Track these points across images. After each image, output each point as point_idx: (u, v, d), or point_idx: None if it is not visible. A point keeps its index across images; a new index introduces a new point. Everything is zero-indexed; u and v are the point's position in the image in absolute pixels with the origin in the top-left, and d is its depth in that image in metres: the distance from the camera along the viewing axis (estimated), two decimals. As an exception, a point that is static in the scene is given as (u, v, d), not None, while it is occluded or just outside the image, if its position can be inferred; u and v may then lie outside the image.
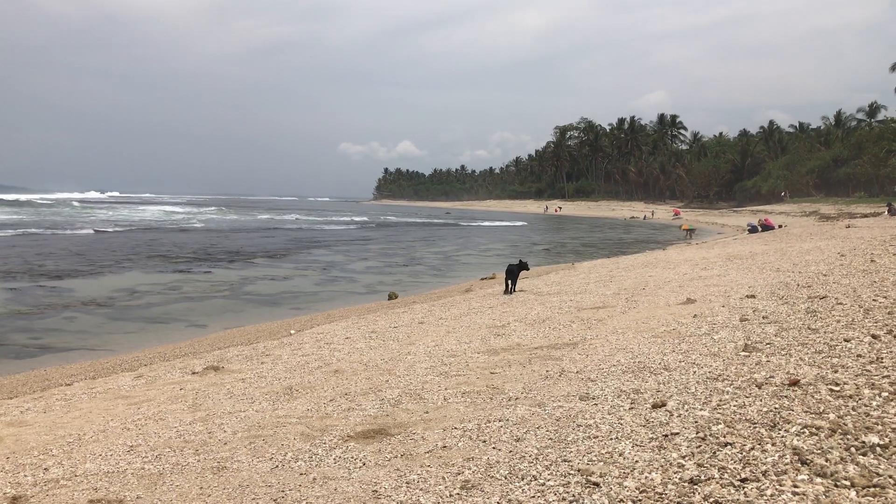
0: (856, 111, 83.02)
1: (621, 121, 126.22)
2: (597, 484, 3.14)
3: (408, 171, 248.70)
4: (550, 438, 3.88)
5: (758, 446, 3.27)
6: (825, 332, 5.47)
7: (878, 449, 3.07)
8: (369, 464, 3.95)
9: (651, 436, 3.65)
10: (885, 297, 6.68)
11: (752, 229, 29.86)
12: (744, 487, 2.89)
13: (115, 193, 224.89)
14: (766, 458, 3.12)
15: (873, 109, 79.38)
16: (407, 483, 3.56)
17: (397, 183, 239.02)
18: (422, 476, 3.62)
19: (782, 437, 3.34)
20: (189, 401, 6.01)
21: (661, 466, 3.22)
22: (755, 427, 3.52)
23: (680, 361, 5.23)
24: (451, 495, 3.31)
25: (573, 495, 3.08)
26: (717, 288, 9.32)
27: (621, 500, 2.95)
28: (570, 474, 3.31)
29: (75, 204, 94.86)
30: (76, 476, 4.22)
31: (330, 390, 5.89)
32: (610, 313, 8.46)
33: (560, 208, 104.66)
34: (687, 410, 3.96)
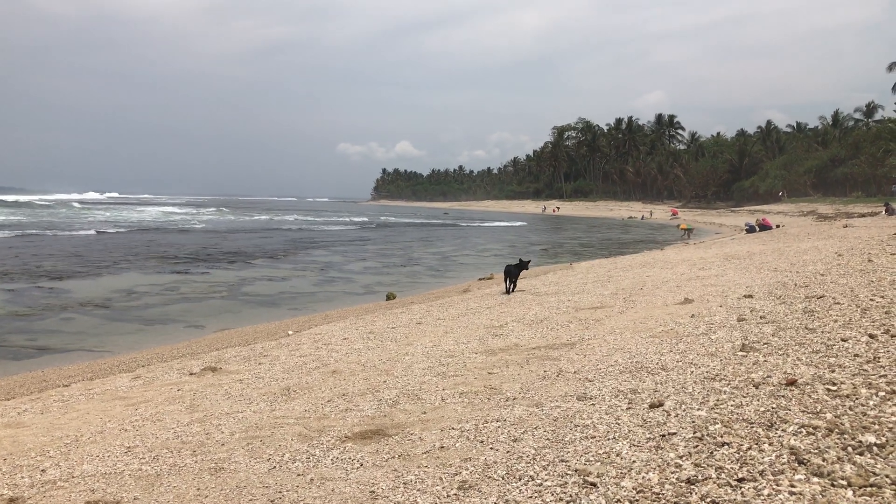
0: (853, 111, 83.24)
1: (619, 121, 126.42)
2: (594, 484, 3.14)
3: (406, 171, 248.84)
4: (548, 439, 3.88)
5: (755, 446, 3.27)
6: (822, 332, 5.47)
7: (874, 448, 3.08)
8: (367, 464, 3.95)
9: (648, 436, 3.65)
10: (882, 297, 6.69)
11: (750, 229, 29.87)
12: (741, 487, 2.89)
13: (114, 194, 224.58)
14: (763, 458, 3.13)
15: (871, 109, 79.53)
16: (404, 484, 3.56)
17: (395, 183, 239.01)
18: (419, 476, 3.62)
19: (779, 436, 3.35)
20: (187, 402, 6.01)
21: (659, 466, 3.22)
22: (752, 427, 3.53)
23: (677, 361, 5.23)
24: (448, 496, 3.31)
25: (570, 495, 3.08)
26: (714, 288, 9.33)
27: (618, 500, 2.95)
28: (567, 474, 3.31)
29: (75, 205, 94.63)
30: (73, 477, 4.21)
31: (327, 391, 5.88)
32: (608, 313, 8.47)
33: (558, 208, 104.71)
34: (684, 410, 3.97)
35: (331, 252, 30.09)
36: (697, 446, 3.38)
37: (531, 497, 3.14)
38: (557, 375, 5.43)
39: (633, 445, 3.55)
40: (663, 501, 2.88)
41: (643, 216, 75.16)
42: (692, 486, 2.96)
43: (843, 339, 5.10)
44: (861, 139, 67.81)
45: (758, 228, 29.40)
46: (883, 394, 3.73)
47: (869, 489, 2.74)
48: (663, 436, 3.60)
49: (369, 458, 4.04)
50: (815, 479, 2.87)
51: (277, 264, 24.29)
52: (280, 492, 3.66)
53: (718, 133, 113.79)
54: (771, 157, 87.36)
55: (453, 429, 4.36)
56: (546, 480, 3.29)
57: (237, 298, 16.24)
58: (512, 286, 12.33)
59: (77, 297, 15.55)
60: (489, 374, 5.85)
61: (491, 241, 39.90)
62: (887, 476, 2.81)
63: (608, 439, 3.70)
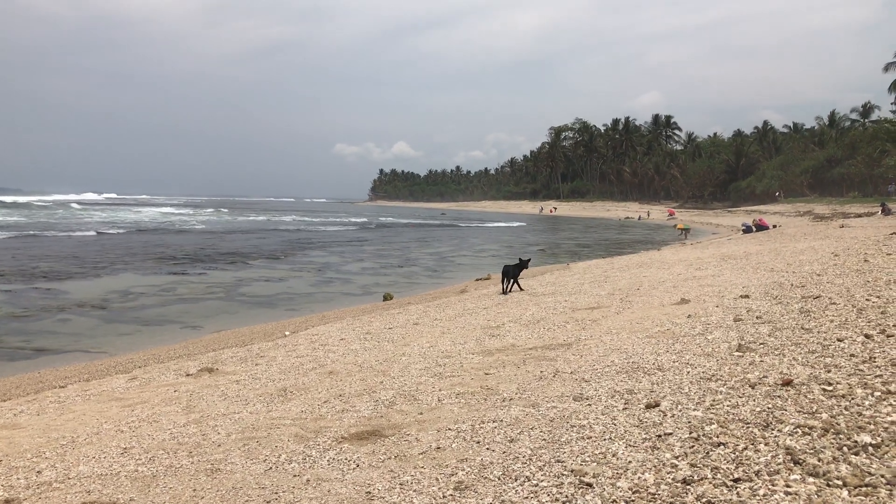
0: (850, 111, 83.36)
1: (616, 121, 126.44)
2: (590, 484, 3.14)
3: (403, 171, 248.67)
4: (544, 439, 3.89)
5: (751, 446, 3.28)
6: (819, 332, 5.48)
7: (870, 448, 3.08)
8: (363, 465, 3.94)
9: (644, 436, 3.65)
10: (878, 297, 6.70)
11: (747, 229, 29.93)
12: (736, 487, 2.90)
13: (112, 195, 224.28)
14: (758, 458, 3.13)
15: (867, 109, 79.64)
16: (401, 484, 3.55)
17: (392, 184, 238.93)
18: (415, 477, 3.62)
19: (775, 436, 3.35)
20: (183, 403, 6.00)
21: (655, 467, 3.22)
22: (748, 427, 3.53)
23: (674, 362, 5.24)
24: (444, 496, 3.31)
25: (566, 496, 3.08)
26: (711, 288, 9.35)
27: (614, 501, 2.96)
28: (563, 475, 3.32)
29: (74, 206, 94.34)
30: (69, 478, 4.20)
31: (324, 392, 5.88)
32: (604, 314, 8.48)
33: (555, 209, 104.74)
34: (680, 411, 3.97)
35: (328, 253, 30.07)
36: (693, 447, 3.38)
37: (527, 497, 3.14)
38: (554, 376, 5.43)
39: (630, 446, 3.55)
40: (659, 502, 2.89)
41: (640, 216, 75.26)
42: (688, 487, 2.97)
43: (839, 340, 5.11)
44: (857, 139, 67.92)
45: (754, 229, 29.45)
46: (878, 394, 3.74)
47: (864, 489, 2.74)
48: (659, 436, 3.60)
49: (365, 459, 4.03)
50: (811, 479, 2.87)
51: (275, 265, 24.26)
52: (276, 493, 3.66)
53: (715, 133, 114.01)
54: (767, 158, 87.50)
55: (450, 429, 4.36)
56: (542, 481, 3.29)
57: (234, 299, 16.22)
58: (511, 286, 12.33)
59: (74, 299, 15.51)
60: (486, 374, 5.85)
61: (488, 242, 39.91)
62: (882, 476, 2.82)
63: (604, 440, 3.70)
